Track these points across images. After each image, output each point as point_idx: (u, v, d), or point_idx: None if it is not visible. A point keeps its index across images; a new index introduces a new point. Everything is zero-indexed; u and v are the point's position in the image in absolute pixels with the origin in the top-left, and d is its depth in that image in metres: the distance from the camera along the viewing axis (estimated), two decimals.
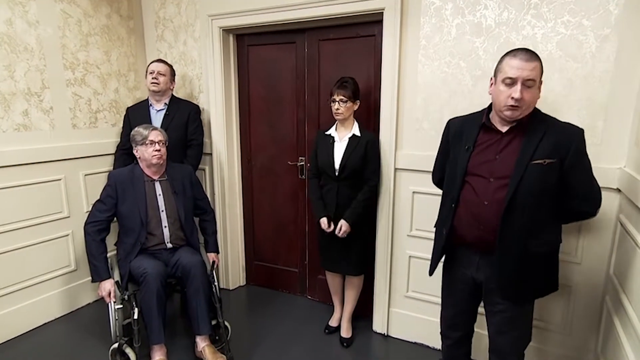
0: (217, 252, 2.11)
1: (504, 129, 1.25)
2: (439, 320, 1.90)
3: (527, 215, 1.19)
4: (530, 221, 1.20)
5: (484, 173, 1.25)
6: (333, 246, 1.98)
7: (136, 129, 1.89)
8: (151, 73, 2.21)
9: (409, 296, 2.06)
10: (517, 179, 1.17)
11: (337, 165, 1.90)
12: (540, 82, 1.21)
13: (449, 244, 1.36)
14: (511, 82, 1.16)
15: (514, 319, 1.29)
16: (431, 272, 1.46)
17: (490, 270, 1.28)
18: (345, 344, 2.05)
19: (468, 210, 1.28)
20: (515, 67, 1.16)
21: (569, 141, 1.17)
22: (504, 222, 1.19)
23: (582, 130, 1.21)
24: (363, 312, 2.24)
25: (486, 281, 1.31)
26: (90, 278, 2.30)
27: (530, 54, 1.17)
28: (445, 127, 1.44)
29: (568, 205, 1.23)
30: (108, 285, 1.79)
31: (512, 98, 1.16)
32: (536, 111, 1.24)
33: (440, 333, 1.53)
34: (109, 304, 1.78)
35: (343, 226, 1.86)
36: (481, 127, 1.30)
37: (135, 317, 1.71)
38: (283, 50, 2.31)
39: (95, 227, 1.81)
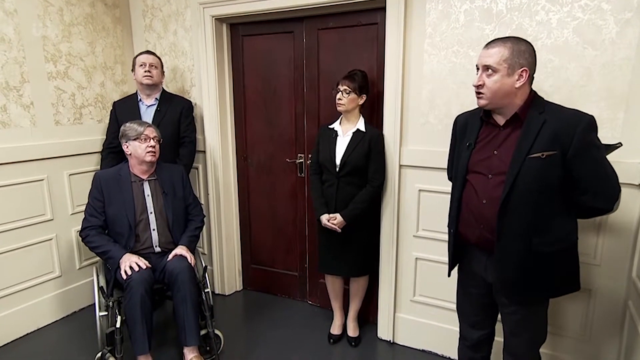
0: (188, 248, 1.83)
1: (502, 122, 1.21)
2: (448, 326, 1.83)
3: (528, 213, 1.13)
4: (533, 218, 1.14)
5: (483, 170, 1.22)
6: (332, 247, 1.91)
7: (128, 124, 1.80)
8: (142, 65, 2.09)
9: (416, 301, 1.97)
10: (513, 175, 1.13)
11: (338, 161, 1.83)
12: (520, 69, 1.15)
13: (458, 243, 1.34)
14: (477, 69, 1.21)
15: (525, 321, 1.25)
16: (449, 273, 1.43)
17: (495, 272, 1.23)
18: (353, 343, 2.00)
19: (469, 209, 1.26)
20: (479, 56, 1.20)
21: (572, 129, 1.09)
22: (501, 221, 1.15)
23: (589, 117, 1.11)
24: (367, 317, 2.16)
25: (493, 282, 1.26)
26: (75, 284, 2.26)
27: (498, 40, 1.18)
28: (453, 123, 1.41)
29: (578, 200, 1.14)
30: (126, 258, 1.66)
31: (473, 85, 1.20)
32: (536, 100, 1.18)
33: (460, 333, 1.46)
34: (139, 265, 1.65)
35: (338, 218, 1.81)
36: (482, 122, 1.27)
37: (118, 325, 1.62)
38: (280, 41, 2.22)
39: (93, 230, 1.74)
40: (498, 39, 1.19)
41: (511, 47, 1.15)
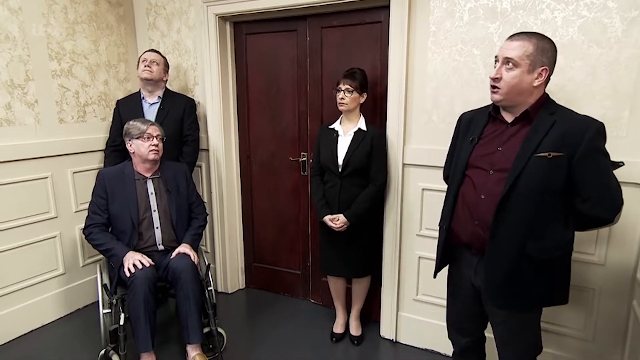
0: (191, 246, 1.83)
1: (510, 119, 1.18)
2: None
3: (526, 214, 1.10)
4: (531, 221, 1.11)
5: (484, 165, 1.18)
6: (334, 248, 1.91)
7: (131, 122, 1.80)
8: (144, 61, 2.12)
9: (419, 300, 1.97)
10: (517, 172, 1.09)
11: (340, 161, 1.82)
12: (541, 68, 1.11)
13: (449, 241, 1.30)
14: (496, 61, 1.16)
15: (516, 329, 1.22)
16: (435, 274, 1.38)
17: (484, 274, 1.19)
18: (355, 342, 2.00)
19: (465, 204, 1.22)
20: (500, 47, 1.15)
21: (580, 133, 1.07)
22: (498, 218, 1.12)
23: (599, 124, 1.09)
24: (370, 316, 2.15)
25: (481, 285, 1.22)
26: (78, 282, 2.28)
27: (522, 34, 1.13)
28: (458, 120, 1.38)
29: (579, 208, 1.11)
30: (129, 256, 1.67)
31: (490, 77, 1.14)
32: (548, 102, 1.16)
33: (449, 338, 1.45)
34: (142, 263, 1.66)
35: (340, 218, 1.80)
36: (489, 118, 1.24)
37: (121, 322, 1.63)
38: (283, 39, 2.21)
39: (96, 228, 1.74)
40: (523, 32, 1.14)
41: (536, 43, 1.10)
